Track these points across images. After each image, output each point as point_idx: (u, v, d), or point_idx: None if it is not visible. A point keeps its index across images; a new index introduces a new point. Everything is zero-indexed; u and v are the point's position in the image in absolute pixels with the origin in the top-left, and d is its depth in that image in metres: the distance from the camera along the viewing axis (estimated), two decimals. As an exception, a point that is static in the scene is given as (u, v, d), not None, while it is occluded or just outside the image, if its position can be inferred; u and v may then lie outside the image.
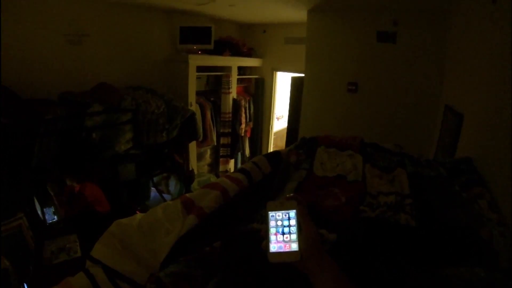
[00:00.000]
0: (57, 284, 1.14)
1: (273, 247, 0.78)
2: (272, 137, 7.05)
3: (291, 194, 0.87)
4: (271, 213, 0.82)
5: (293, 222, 0.80)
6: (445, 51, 3.65)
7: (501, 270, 1.20)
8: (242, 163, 6.47)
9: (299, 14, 4.73)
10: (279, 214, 0.82)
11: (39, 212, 2.88)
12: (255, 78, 6.58)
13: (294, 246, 0.77)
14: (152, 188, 4.20)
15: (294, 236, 0.78)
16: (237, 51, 5.75)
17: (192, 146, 5.01)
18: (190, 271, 1.16)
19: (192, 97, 4.90)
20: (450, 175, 2.05)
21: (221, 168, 6.15)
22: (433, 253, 1.32)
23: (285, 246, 0.77)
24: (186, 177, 4.60)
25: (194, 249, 1.28)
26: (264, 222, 0.82)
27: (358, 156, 2.31)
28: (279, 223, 0.81)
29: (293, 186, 1.93)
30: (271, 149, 7.03)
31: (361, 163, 2.23)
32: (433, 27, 3.79)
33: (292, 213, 0.81)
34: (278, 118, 7.40)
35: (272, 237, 0.79)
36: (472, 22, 2.79)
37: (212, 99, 5.65)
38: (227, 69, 5.60)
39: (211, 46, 4.91)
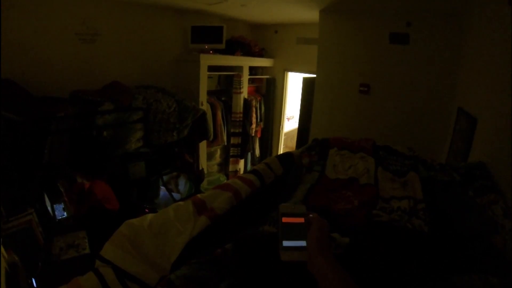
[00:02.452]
0: (67, 283, 1.13)
1: (285, 245, 0.83)
2: (283, 137, 7.02)
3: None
4: (283, 214, 0.88)
5: (302, 224, 0.87)
6: (459, 53, 3.60)
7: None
8: (252, 163, 6.47)
9: (311, 14, 4.70)
10: (290, 216, 0.88)
11: (49, 208, 2.89)
12: (267, 78, 6.55)
13: (303, 246, 0.82)
14: (162, 187, 4.20)
15: (303, 237, 0.84)
16: (248, 51, 5.74)
17: (202, 145, 5.01)
18: (201, 273, 1.14)
19: (203, 97, 4.89)
20: (464, 180, 2.02)
21: (231, 168, 6.14)
22: (445, 259, 1.30)
23: (295, 246, 0.83)
24: (196, 177, 4.60)
25: (205, 251, 1.26)
26: (277, 223, 0.88)
27: (370, 159, 2.29)
28: (291, 224, 0.87)
29: (306, 188, 1.91)
30: (281, 149, 7.01)
31: (373, 166, 2.21)
32: (447, 29, 3.74)
33: (302, 215, 0.88)
34: (288, 119, 7.37)
35: (284, 236, 0.84)
36: (487, 24, 2.75)
37: (223, 98, 5.64)
38: (239, 69, 5.59)
39: (222, 46, 4.89)
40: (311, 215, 0.89)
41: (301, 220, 0.87)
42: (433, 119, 4.00)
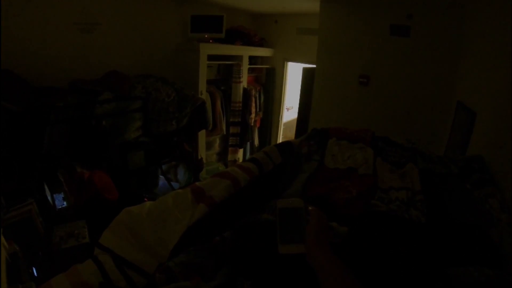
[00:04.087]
0: (66, 271, 1.14)
1: (283, 239, 0.85)
2: (282, 127, 7.02)
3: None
4: (281, 209, 0.89)
5: (300, 217, 0.88)
6: (460, 47, 3.58)
7: (510, 272, 1.19)
8: (250, 153, 6.46)
9: (312, 5, 4.68)
10: (288, 210, 0.89)
11: (49, 198, 2.90)
12: (266, 68, 6.54)
13: (301, 239, 0.84)
14: (161, 176, 4.21)
15: (301, 230, 0.86)
16: (248, 41, 5.71)
17: (201, 135, 5.00)
18: (200, 260, 1.15)
19: (202, 86, 4.88)
20: (462, 173, 2.03)
21: (230, 157, 6.14)
22: (442, 250, 1.31)
23: (293, 239, 0.85)
24: (195, 166, 4.60)
25: (203, 239, 1.27)
26: (275, 217, 0.90)
27: (369, 150, 2.30)
28: (289, 218, 0.88)
29: (304, 177, 1.92)
30: (280, 139, 7.01)
31: (372, 157, 2.22)
32: (448, 22, 3.70)
33: (300, 209, 0.89)
34: (288, 109, 7.36)
35: (282, 230, 0.86)
36: (488, 18, 2.74)
37: (222, 88, 5.62)
38: (238, 58, 5.56)
39: (222, 35, 4.87)
40: (310, 208, 0.90)
41: (298, 214, 0.88)
42: (433, 112, 3.99)
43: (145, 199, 3.43)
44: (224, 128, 5.62)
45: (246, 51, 5.65)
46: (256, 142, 6.68)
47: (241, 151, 6.26)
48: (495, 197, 1.70)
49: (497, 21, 2.45)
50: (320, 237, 0.83)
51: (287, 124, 7.41)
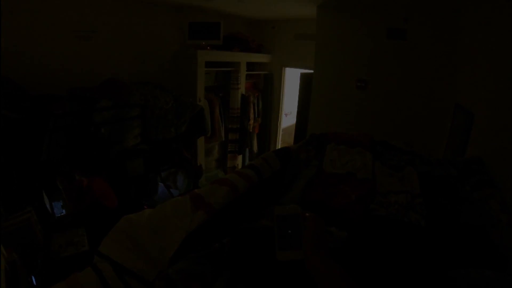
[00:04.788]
0: (65, 280, 1.13)
1: (281, 246, 0.86)
2: (281, 133, 7.02)
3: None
4: (278, 216, 0.90)
5: (297, 223, 0.89)
6: (457, 49, 3.59)
7: (511, 273, 1.19)
8: (250, 159, 6.46)
9: (309, 10, 4.70)
10: (285, 217, 0.90)
11: (48, 206, 2.89)
12: (264, 74, 6.54)
13: (299, 246, 0.85)
14: (160, 184, 4.20)
15: (298, 236, 0.86)
16: (246, 47, 5.72)
17: (200, 141, 5.01)
18: (199, 267, 1.15)
19: (200, 93, 4.89)
20: (461, 175, 2.02)
21: (229, 164, 6.14)
22: (442, 253, 1.31)
23: (291, 245, 0.85)
24: (194, 173, 4.60)
25: (203, 246, 1.27)
26: (273, 224, 0.90)
27: (368, 154, 2.29)
28: (286, 224, 0.89)
29: (303, 183, 1.92)
30: (279, 145, 7.00)
31: (370, 161, 2.22)
32: (444, 24, 3.70)
33: (296, 215, 0.90)
34: (286, 114, 7.37)
35: (280, 237, 0.87)
36: (484, 19, 2.74)
37: (220, 94, 5.62)
38: (236, 64, 5.58)
39: (220, 42, 4.89)
40: (307, 214, 0.90)
41: (296, 220, 0.89)
42: (431, 114, 3.98)
43: (145, 207, 3.42)
44: (223, 134, 5.62)
45: (244, 58, 5.66)
46: (255, 148, 6.68)
47: (240, 157, 6.25)
48: (495, 198, 1.70)
49: (494, 23, 2.46)
50: (317, 243, 0.83)
51: (285, 129, 7.42)
